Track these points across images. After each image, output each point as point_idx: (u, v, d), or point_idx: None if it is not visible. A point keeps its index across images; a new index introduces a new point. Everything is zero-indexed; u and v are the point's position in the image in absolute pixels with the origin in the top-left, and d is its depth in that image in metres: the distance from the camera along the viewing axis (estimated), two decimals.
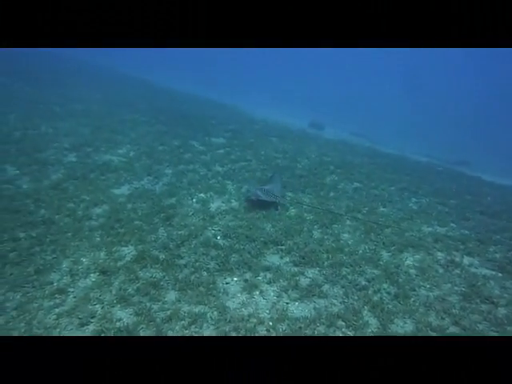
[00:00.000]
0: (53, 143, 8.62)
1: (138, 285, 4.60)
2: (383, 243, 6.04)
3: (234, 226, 6.16)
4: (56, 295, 4.30)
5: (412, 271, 5.37)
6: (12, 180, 6.74)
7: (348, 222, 6.67)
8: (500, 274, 5.46)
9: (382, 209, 7.45)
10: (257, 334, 3.93)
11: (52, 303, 4.17)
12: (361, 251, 5.77)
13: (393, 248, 5.91)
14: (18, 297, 4.21)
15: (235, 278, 4.92)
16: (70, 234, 5.46)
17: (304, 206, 7.05)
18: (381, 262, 5.49)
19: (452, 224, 7.08)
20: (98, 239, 5.45)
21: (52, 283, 4.49)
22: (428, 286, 5.03)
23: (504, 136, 24.51)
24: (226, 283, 4.81)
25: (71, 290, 4.43)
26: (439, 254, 5.91)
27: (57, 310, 4.07)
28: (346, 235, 6.24)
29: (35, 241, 5.18)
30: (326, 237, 6.11)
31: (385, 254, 5.75)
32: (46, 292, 4.33)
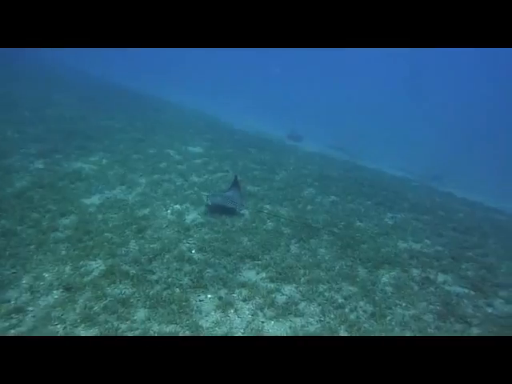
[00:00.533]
0: (19, 149, 8.16)
1: (105, 302, 4.33)
2: (360, 259, 6.02)
3: (209, 239, 5.98)
4: (12, 315, 3.97)
5: (388, 288, 5.36)
6: None
7: (325, 237, 6.62)
8: (473, 293, 5.53)
9: (358, 223, 7.47)
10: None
11: (7, 324, 3.83)
12: (338, 267, 5.72)
13: (369, 264, 5.90)
14: None
15: (209, 295, 4.73)
16: (32, 247, 5.11)
17: (280, 219, 6.96)
18: (357, 279, 5.44)
19: (426, 240, 7.17)
20: (64, 252, 5.12)
21: (9, 301, 4.15)
22: (404, 305, 5.01)
23: (489, 150, 25.17)
24: (200, 300, 4.62)
25: (30, 308, 4.10)
26: (414, 270, 5.94)
27: (12, 332, 3.74)
28: (323, 250, 6.18)
29: None
30: (303, 252, 6.03)
31: (361, 271, 5.72)
32: (2, 311, 3.98)
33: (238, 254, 5.67)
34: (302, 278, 5.31)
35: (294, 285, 5.16)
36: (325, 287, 5.18)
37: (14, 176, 6.95)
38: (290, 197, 8.19)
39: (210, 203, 6.96)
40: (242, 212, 7.09)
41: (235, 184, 7.50)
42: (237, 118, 19.20)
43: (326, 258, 5.96)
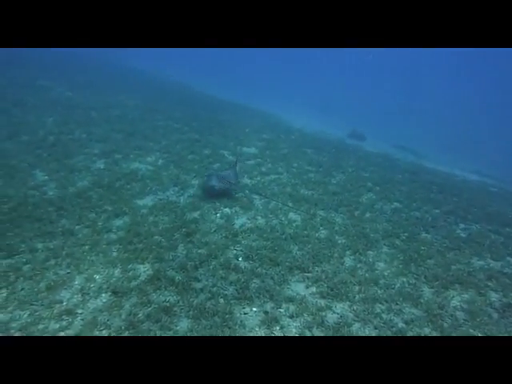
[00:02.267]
0: (84, 149, 8.63)
1: (149, 309, 4.27)
2: (425, 277, 5.33)
3: (257, 246, 5.72)
4: (63, 316, 4.06)
5: (459, 314, 4.64)
6: (39, 186, 6.72)
7: (385, 249, 5.99)
8: None
9: (424, 235, 6.68)
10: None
11: (58, 326, 3.92)
12: (398, 285, 5.11)
13: (436, 283, 5.19)
14: (26, 316, 4.00)
15: (254, 309, 4.46)
16: (87, 247, 5.26)
17: (285, 207, 6.46)
18: (422, 300, 4.80)
19: (509, 258, 6.17)
20: (115, 254, 5.21)
21: (62, 302, 4.26)
22: (479, 335, 4.28)
23: None
24: (244, 313, 4.37)
25: (80, 311, 4.17)
26: (493, 294, 5.10)
27: (62, 334, 3.81)
28: (381, 264, 5.59)
29: (51, 253, 5.02)
30: (358, 265, 5.50)
31: (427, 291, 5.05)
32: (55, 312, 4.10)
33: (286, 264, 5.33)
34: (357, 296, 4.81)
35: (348, 303, 4.68)
36: (383, 308, 4.64)
37: (76, 176, 7.33)
38: (347, 202, 7.62)
39: (210, 187, 7.10)
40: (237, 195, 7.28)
41: (232, 166, 7.79)
42: (295, 116, 18.73)
43: (386, 273, 5.37)
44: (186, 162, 8.70)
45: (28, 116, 10.66)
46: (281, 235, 6.12)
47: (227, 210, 6.83)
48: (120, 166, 8.04)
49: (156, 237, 5.73)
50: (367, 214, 7.25)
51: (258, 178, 8.37)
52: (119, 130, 10.18)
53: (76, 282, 4.60)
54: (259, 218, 6.68)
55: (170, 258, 5.26)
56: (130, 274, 4.85)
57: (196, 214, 6.52)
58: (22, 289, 4.36)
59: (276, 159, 9.70)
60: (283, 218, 6.71)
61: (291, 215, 6.85)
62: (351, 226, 6.61)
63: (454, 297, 4.97)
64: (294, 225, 6.50)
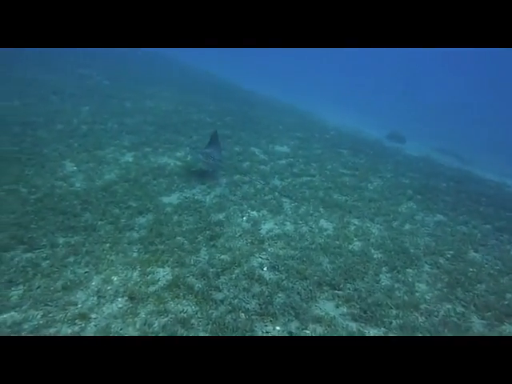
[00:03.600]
0: (114, 140, 8.55)
1: (165, 319, 3.99)
2: (475, 305, 4.70)
3: (284, 255, 5.31)
4: (77, 320, 3.85)
5: None
6: (67, 177, 6.66)
7: (427, 268, 5.39)
8: None
9: (473, 254, 5.98)
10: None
11: (70, 330, 3.72)
12: (442, 312, 4.52)
13: (489, 314, 4.55)
14: (39, 317, 3.83)
15: (278, 327, 4.07)
16: (107, 246, 5.08)
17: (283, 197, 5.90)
18: (471, 334, 4.20)
19: None
20: (135, 255, 4.99)
21: (76, 304, 4.07)
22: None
23: None
24: (266, 332, 3.99)
25: (94, 316, 3.95)
26: None
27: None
28: (423, 286, 5.00)
29: (72, 249, 4.87)
30: (396, 285, 4.95)
31: (477, 322, 4.43)
32: (68, 314, 3.91)
33: (315, 278, 4.89)
34: (394, 322, 4.29)
35: (383, 329, 4.18)
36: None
37: (104, 168, 7.22)
38: (385, 211, 7.01)
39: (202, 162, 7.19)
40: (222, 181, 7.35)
41: (214, 140, 7.43)
42: (330, 114, 17.98)
43: (427, 297, 4.79)
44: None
45: (65, 104, 10.81)
46: (310, 245, 5.67)
47: (254, 213, 6.46)
48: (148, 159, 7.87)
49: (178, 238, 5.46)
50: (407, 226, 6.62)
51: (289, 180, 7.92)
52: (151, 123, 10.05)
53: (93, 283, 4.40)
54: (288, 223, 6.25)
55: (192, 262, 4.97)
56: (149, 277, 4.60)
57: (221, 216, 6.19)
58: (39, 287, 4.21)
59: (309, 160, 9.19)
60: (313, 226, 6.24)
61: (322, 222, 6.37)
62: (389, 239, 6.04)
63: (510, 333, 4.32)
64: (325, 234, 6.03)
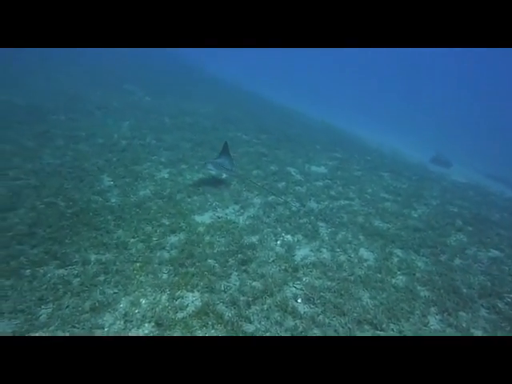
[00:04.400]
0: (151, 156, 8.62)
1: None
2: None
3: (320, 286, 4.94)
4: None
5: None
6: (104, 192, 6.71)
7: (483, 313, 4.80)
8: None
9: None
10: None
11: None
12: None
13: None
14: None
15: None
16: (138, 265, 4.96)
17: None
18: None
19: None
20: (165, 277, 4.82)
21: (103, 328, 3.93)
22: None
23: None
24: None
25: None
26: None
27: None
28: (479, 334, 4.43)
29: (102, 268, 4.79)
30: (448, 330, 4.41)
31: None
32: None
33: (354, 315, 4.47)
34: None
35: None
36: None
37: (140, 184, 7.23)
38: (431, 243, 6.44)
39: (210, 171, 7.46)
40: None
41: (225, 150, 7.60)
42: (369, 132, 17.41)
43: None
44: (250, 178, 8.21)
45: (107, 119, 11.16)
46: (349, 276, 5.26)
47: (289, 237, 6.15)
48: (184, 176, 7.83)
49: (210, 261, 5.26)
50: (457, 261, 6.02)
51: (326, 203, 7.55)
52: (189, 139, 10.10)
53: (121, 305, 4.26)
54: (324, 250, 5.88)
55: (222, 288, 4.73)
56: (177, 302, 4.40)
57: (254, 239, 5.94)
58: (67, 306, 4.13)
59: (348, 182, 8.77)
60: (352, 255, 5.83)
61: (362, 252, 5.94)
62: (437, 275, 5.49)
63: None
64: (366, 265, 5.59)
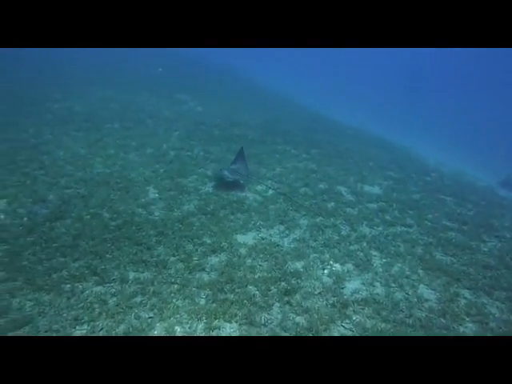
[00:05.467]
0: (198, 168, 8.51)
1: None
2: None
3: (373, 328, 4.36)
4: None
5: None
6: (148, 204, 6.64)
7: None
8: None
9: None
10: None
11: None
12: None
13: None
14: None
15: None
16: (175, 287, 4.72)
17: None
18: None
19: None
20: (203, 302, 4.53)
21: None
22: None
23: None
24: None
25: None
26: None
27: None
28: None
29: (140, 288, 4.61)
30: None
31: None
32: None
33: None
34: None
35: None
36: None
37: (184, 197, 7.09)
38: (507, 284, 5.54)
39: (224, 178, 7.45)
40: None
41: (240, 156, 7.83)
42: (427, 150, 16.14)
43: None
44: (297, 195, 7.77)
45: (158, 128, 11.33)
46: (406, 318, 4.61)
47: (338, 266, 5.61)
48: (228, 191, 7.58)
49: (250, 287, 4.89)
50: None
51: (380, 229, 6.88)
52: (235, 152, 9.88)
53: (155, 332, 4.01)
54: (378, 284, 5.27)
55: (262, 321, 4.32)
56: (214, 333, 4.07)
57: (299, 265, 5.48)
58: (101, 329, 3.96)
59: (405, 206, 7.99)
60: (410, 292, 5.15)
61: (422, 289, 5.24)
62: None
63: None
64: (426, 306, 4.89)
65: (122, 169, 7.92)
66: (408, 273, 5.58)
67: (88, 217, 5.99)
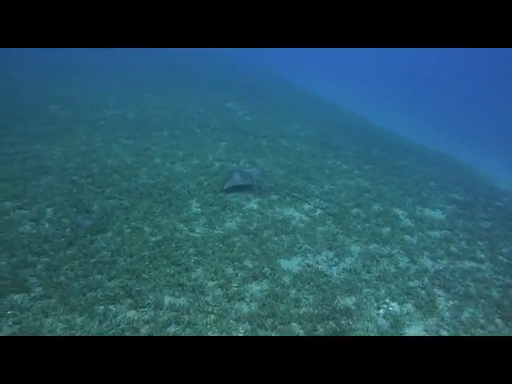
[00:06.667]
0: None
1: None
2: None
3: None
4: None
5: None
6: (190, 220, 6.36)
7: None
8: None
9: None
10: None
11: None
12: None
13: None
14: None
15: None
16: (212, 318, 4.33)
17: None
18: None
19: None
20: None
21: None
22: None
23: None
24: None
25: None
26: None
27: None
28: None
29: (174, 316, 4.28)
30: None
31: None
32: None
33: None
34: None
35: None
36: None
37: (227, 214, 6.73)
38: None
39: (232, 185, 7.42)
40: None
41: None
42: (502, 171, 14.44)
43: None
44: (348, 217, 7.10)
45: (206, 138, 11.19)
46: None
47: (395, 305, 4.90)
48: (273, 209, 7.11)
49: (294, 324, 4.37)
50: None
51: (445, 262, 6.01)
52: (283, 165, 9.44)
53: None
54: (445, 333, 4.48)
55: None
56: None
57: (350, 302, 4.85)
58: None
59: (473, 235, 6.99)
60: None
61: None
62: None
63: None
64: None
65: (167, 180, 7.77)
66: (482, 321, 4.72)
67: (128, 230, 5.82)
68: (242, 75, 24.02)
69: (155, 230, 5.90)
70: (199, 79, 20.90)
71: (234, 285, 4.95)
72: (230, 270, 5.24)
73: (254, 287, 4.97)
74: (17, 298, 4.24)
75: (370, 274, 5.52)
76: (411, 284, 5.39)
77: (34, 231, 5.52)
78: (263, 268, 5.35)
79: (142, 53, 24.09)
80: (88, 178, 7.36)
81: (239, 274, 5.17)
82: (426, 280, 5.51)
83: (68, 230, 5.62)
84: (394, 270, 5.69)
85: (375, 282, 5.36)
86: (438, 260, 6.06)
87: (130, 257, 5.19)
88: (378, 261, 5.86)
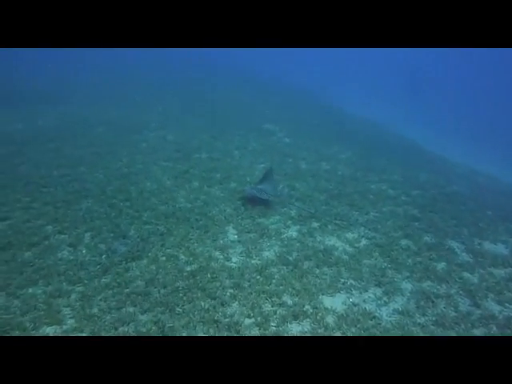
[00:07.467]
0: (282, 208, 7.79)
1: None
2: None
3: None
4: None
5: None
6: (226, 248, 6.09)
7: None
8: None
9: None
10: None
11: None
12: None
13: None
14: None
15: None
16: None
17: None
18: None
19: None
20: None
21: None
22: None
23: None
24: None
25: None
26: None
27: None
28: None
29: None
30: None
31: None
32: None
33: None
34: None
35: None
36: None
37: (265, 242, 6.38)
38: None
39: (249, 196, 7.62)
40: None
41: (267, 175, 8.11)
42: None
43: None
44: (397, 249, 6.50)
45: (244, 160, 11.04)
46: None
47: None
48: (314, 238, 6.67)
49: None
50: None
51: None
52: (323, 190, 8.99)
53: None
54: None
55: None
56: None
57: None
58: None
59: None
60: None
61: None
62: None
63: None
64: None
65: (204, 204, 7.60)
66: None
67: (163, 258, 5.64)
68: (276, 95, 23.97)
69: (191, 259, 5.67)
70: (240, 100, 21.07)
71: (273, 324, 4.54)
72: (267, 307, 4.85)
73: (295, 327, 4.53)
74: (49, 330, 4.11)
75: (426, 318, 4.90)
76: (476, 332, 4.69)
77: (72, 257, 5.48)
78: (304, 306, 4.90)
79: (195, 80, 24.89)
80: (126, 202, 7.35)
81: (278, 312, 4.76)
82: (494, 328, 4.78)
83: (104, 256, 5.54)
84: (453, 313, 5.02)
85: (432, 327, 4.73)
86: (506, 304, 5.29)
87: (164, 287, 4.96)
88: (433, 302, 5.21)
